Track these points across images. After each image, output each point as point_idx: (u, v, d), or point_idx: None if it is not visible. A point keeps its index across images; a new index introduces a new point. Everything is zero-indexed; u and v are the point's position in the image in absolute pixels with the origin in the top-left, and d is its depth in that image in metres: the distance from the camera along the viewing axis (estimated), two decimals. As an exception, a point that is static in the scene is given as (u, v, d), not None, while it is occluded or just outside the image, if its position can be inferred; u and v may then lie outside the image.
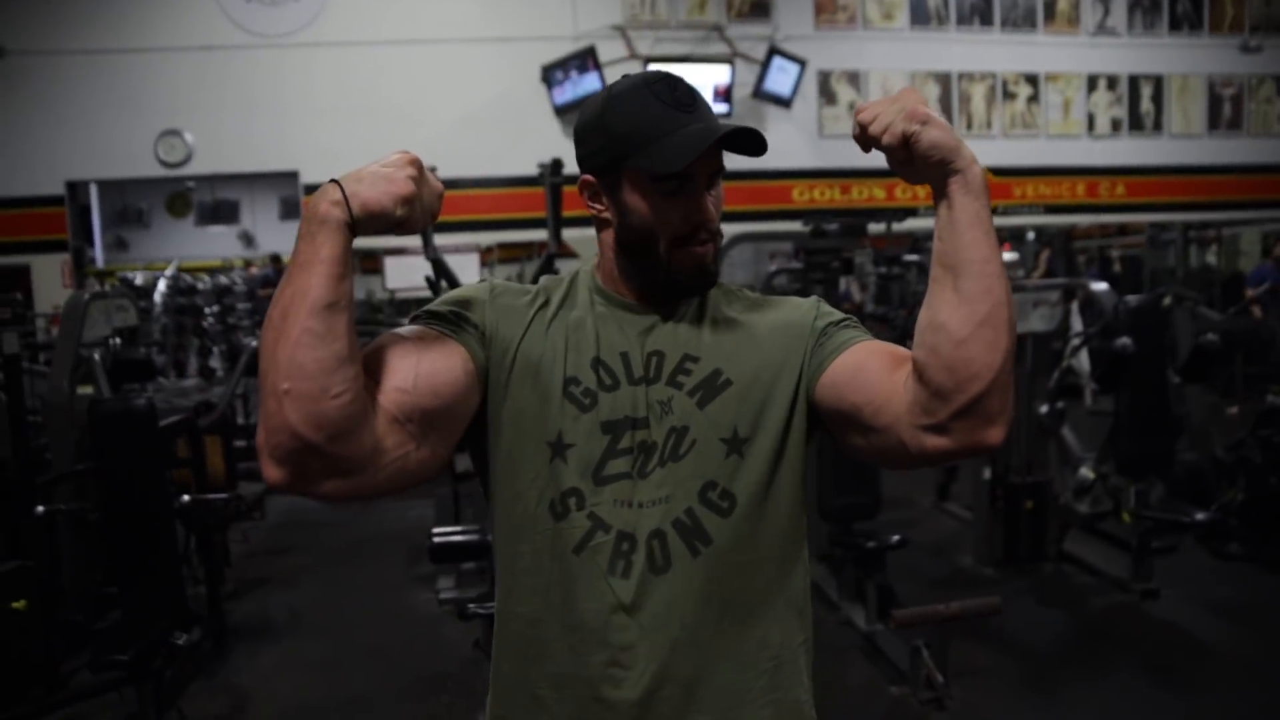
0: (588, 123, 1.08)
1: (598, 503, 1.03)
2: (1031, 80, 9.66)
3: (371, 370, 0.98)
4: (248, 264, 9.17)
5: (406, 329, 1.05)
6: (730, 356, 1.08)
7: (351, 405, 0.92)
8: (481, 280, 1.15)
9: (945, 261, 0.95)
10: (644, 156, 1.02)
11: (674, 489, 1.03)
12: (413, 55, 8.49)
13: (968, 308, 0.93)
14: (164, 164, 8.22)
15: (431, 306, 1.08)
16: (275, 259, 9.25)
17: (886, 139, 0.95)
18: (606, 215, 1.09)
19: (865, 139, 0.97)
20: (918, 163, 0.95)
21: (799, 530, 1.11)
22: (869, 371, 1.03)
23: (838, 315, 1.13)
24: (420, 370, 0.99)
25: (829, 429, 1.09)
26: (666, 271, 1.07)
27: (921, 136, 0.93)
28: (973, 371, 0.92)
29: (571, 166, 1.18)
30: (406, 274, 7.64)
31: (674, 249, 1.06)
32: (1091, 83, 9.80)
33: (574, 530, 1.03)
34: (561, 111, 8.59)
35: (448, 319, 1.06)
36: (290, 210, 10.56)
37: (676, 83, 1.07)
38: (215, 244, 12.10)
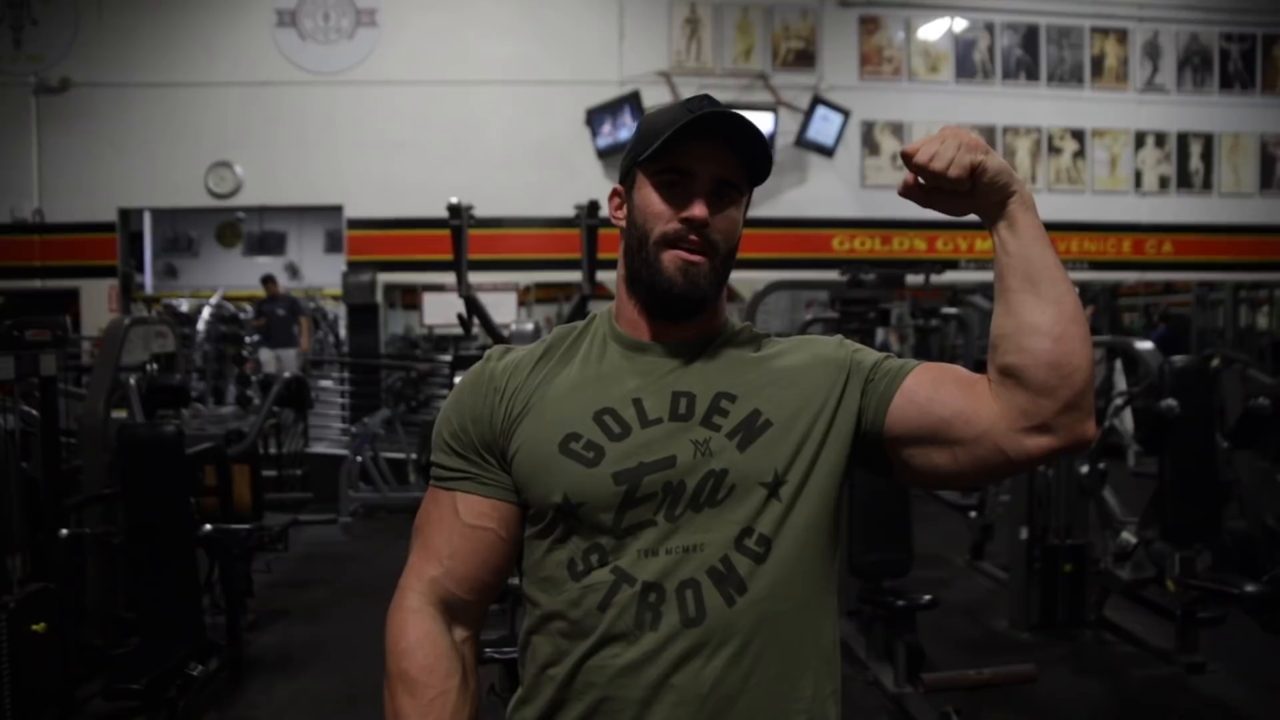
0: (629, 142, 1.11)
1: (620, 556, 1.00)
2: (1078, 136, 9.60)
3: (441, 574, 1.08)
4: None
5: (433, 508, 1.11)
6: (767, 396, 1.05)
7: None
8: (479, 360, 1.14)
9: (1020, 274, 0.98)
10: (644, 147, 1.04)
11: (708, 535, 1.00)
12: (460, 95, 8.66)
13: (1056, 308, 0.96)
14: (213, 194, 8.43)
15: (436, 455, 1.11)
16: (267, 280, 9.33)
17: (954, 172, 0.96)
18: (623, 223, 1.10)
19: (928, 174, 0.97)
20: (980, 191, 0.98)
21: (831, 573, 1.08)
22: (949, 386, 1.03)
23: (868, 348, 1.13)
24: (471, 574, 1.08)
25: (893, 458, 1.07)
26: (652, 271, 1.05)
27: (988, 165, 0.97)
28: (1075, 364, 0.95)
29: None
30: (444, 310, 7.71)
31: (661, 247, 1.04)
32: (1139, 139, 9.72)
33: (597, 587, 1.00)
34: (604, 155, 8.69)
35: (461, 470, 1.09)
36: (334, 243, 10.74)
37: (709, 99, 1.06)
38: (262, 274, 12.35)
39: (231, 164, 8.41)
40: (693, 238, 1.04)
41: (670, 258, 1.04)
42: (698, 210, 1.04)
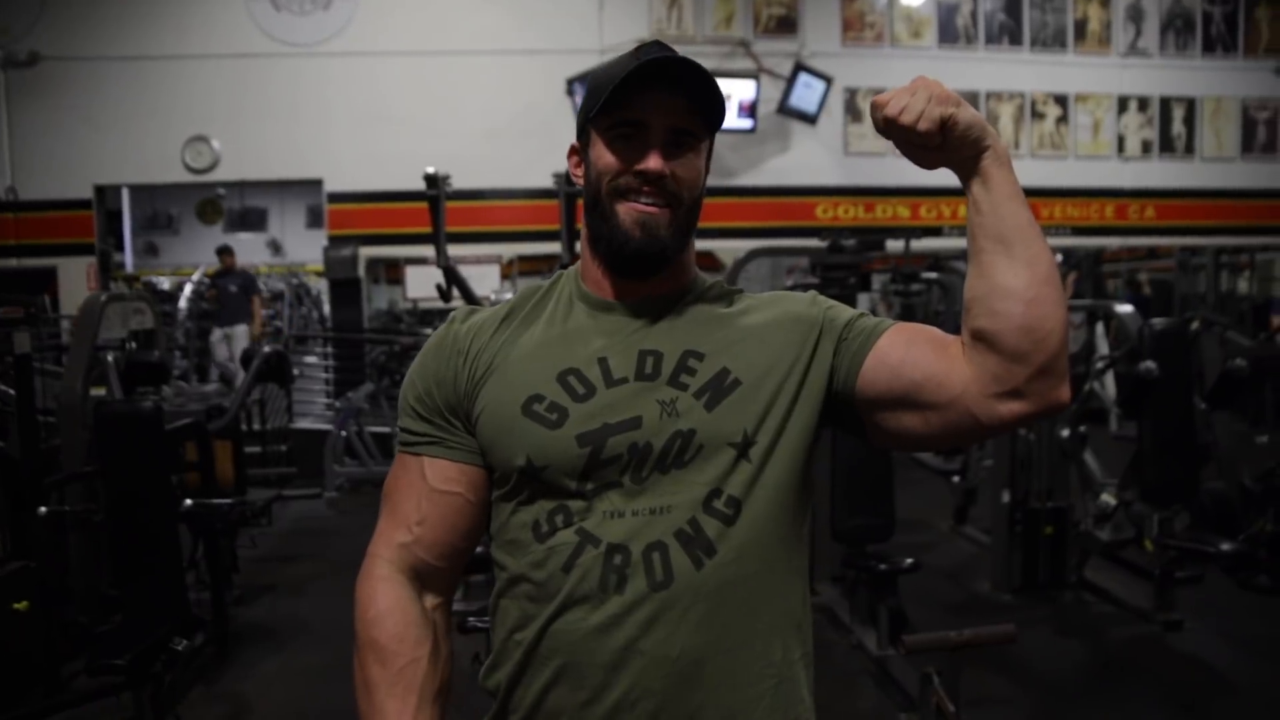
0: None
1: (585, 517, 0.99)
2: (1061, 101, 9.54)
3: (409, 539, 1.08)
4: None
5: (401, 473, 1.10)
6: (736, 354, 1.04)
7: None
8: (445, 323, 1.12)
9: (992, 234, 0.96)
10: (594, 101, 1.02)
11: (675, 497, 0.99)
12: (439, 66, 8.54)
13: (1029, 270, 0.94)
14: (190, 169, 8.30)
15: (402, 420, 1.10)
16: (223, 251, 8.89)
17: (923, 125, 0.93)
18: (582, 180, 1.08)
19: (895, 129, 0.95)
20: (951, 145, 0.96)
21: (802, 536, 1.08)
22: (922, 347, 1.01)
23: (842, 305, 1.12)
24: (440, 539, 1.08)
25: (869, 420, 1.05)
26: (609, 226, 1.03)
27: (959, 117, 0.94)
28: (1048, 329, 0.94)
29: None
30: (427, 283, 7.66)
31: (615, 198, 1.03)
32: (1122, 104, 9.67)
33: (561, 549, 0.99)
34: (585, 125, 8.59)
35: (427, 434, 1.08)
36: (316, 219, 10.64)
37: (659, 44, 1.04)
38: (243, 251, 12.22)
39: (208, 138, 8.28)
40: (647, 188, 1.02)
41: (626, 210, 1.03)
42: (652, 162, 1.02)
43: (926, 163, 1.00)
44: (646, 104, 1.01)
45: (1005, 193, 0.96)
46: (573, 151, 1.10)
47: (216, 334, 8.73)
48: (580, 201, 4.86)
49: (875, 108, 0.96)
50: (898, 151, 1.00)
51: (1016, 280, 0.94)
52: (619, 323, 1.06)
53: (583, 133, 1.07)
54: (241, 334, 8.62)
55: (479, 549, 1.14)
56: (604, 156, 1.03)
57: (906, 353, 1.01)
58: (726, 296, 1.11)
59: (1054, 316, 0.94)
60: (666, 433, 0.99)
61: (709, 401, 1.01)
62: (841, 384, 1.05)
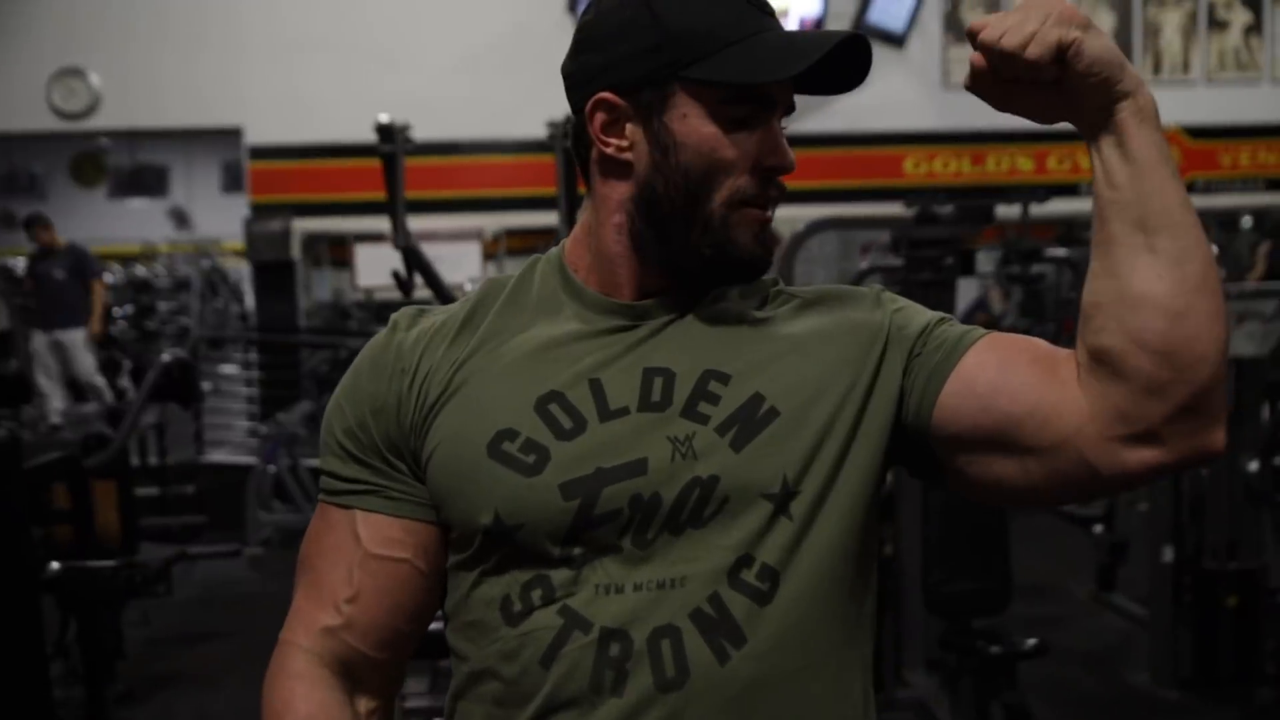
0: (615, 15, 1.04)
1: (571, 592, 1.00)
2: (1251, 3, 9.46)
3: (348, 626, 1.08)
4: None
5: (325, 532, 1.11)
6: (773, 374, 1.04)
7: None
8: (384, 329, 1.13)
9: (1128, 216, 0.95)
10: (725, 61, 1.00)
11: (691, 566, 0.99)
12: (397, -24, 8.63)
13: (1176, 271, 0.93)
14: (59, 114, 8.41)
15: (326, 460, 1.11)
16: (34, 223, 8.29)
17: (1033, 50, 0.92)
18: (628, 155, 1.04)
19: (999, 57, 0.94)
20: (1074, 86, 0.95)
21: (863, 616, 1.08)
22: (1021, 372, 1.02)
23: (916, 305, 1.12)
24: (379, 621, 1.09)
25: (945, 465, 1.07)
26: (715, 240, 1.03)
27: (1085, 47, 0.93)
28: (1197, 354, 0.93)
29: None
30: (384, 267, 7.74)
31: (733, 206, 1.03)
32: (1345, 3, 9.56)
33: (540, 635, 1.00)
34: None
35: (360, 480, 1.08)
36: (234, 181, 10.79)
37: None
38: (137, 223, 12.46)
39: (84, 71, 8.40)
40: (772, 190, 1.05)
41: (747, 220, 1.04)
42: (790, 157, 1.05)
43: (1040, 113, 1.00)
44: (782, 84, 1.03)
45: (1149, 160, 0.95)
46: (602, 105, 1.05)
47: (39, 341, 8.14)
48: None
49: (972, 35, 0.96)
50: (1000, 107, 1.01)
51: (1158, 284, 0.94)
52: (621, 329, 1.06)
53: (649, 83, 1.03)
54: (76, 340, 8.15)
55: (438, 622, 1.15)
56: (709, 140, 1.02)
57: (1001, 377, 1.02)
58: (761, 293, 1.12)
59: (1207, 337, 0.93)
60: (680, 481, 1.00)
61: (736, 439, 1.01)
62: (914, 414, 1.05)
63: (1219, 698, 4.21)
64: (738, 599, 0.99)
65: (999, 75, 0.97)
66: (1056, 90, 0.97)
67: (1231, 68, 9.49)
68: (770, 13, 1.04)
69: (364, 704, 1.10)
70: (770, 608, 0.99)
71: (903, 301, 1.12)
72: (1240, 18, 9.47)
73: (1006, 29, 0.93)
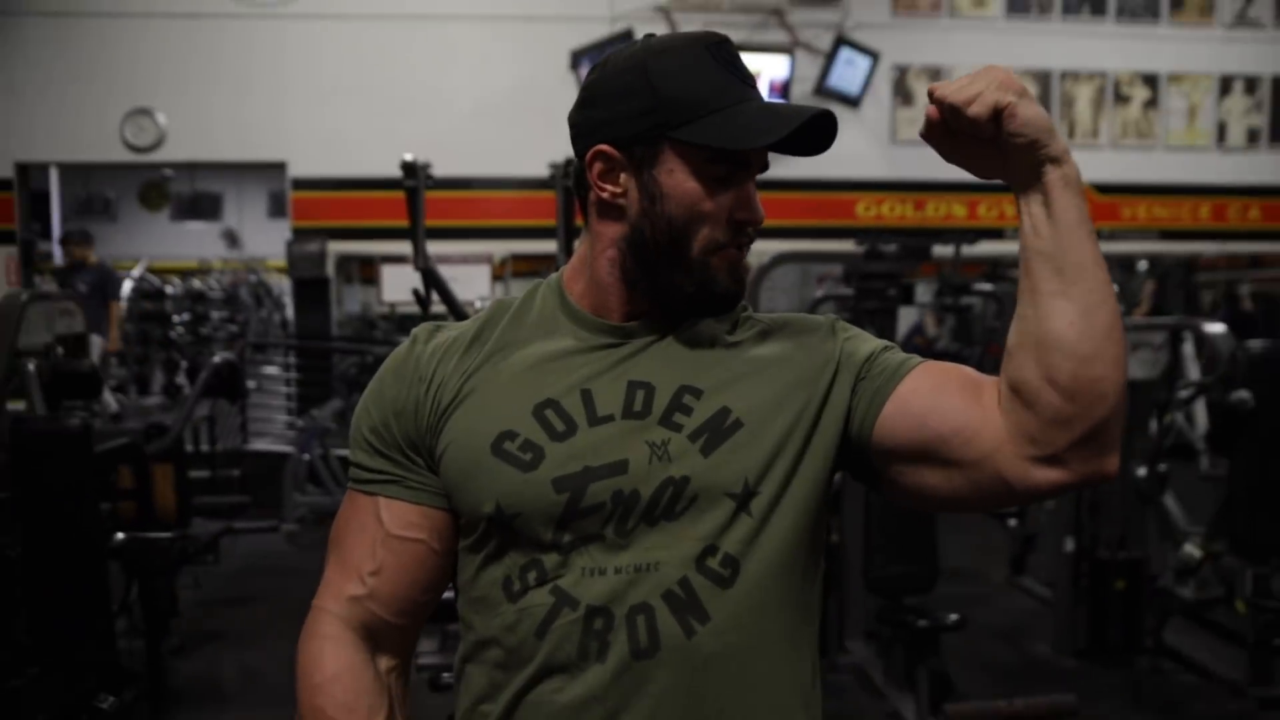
0: (617, 79, 1.05)
1: (561, 574, 1.01)
2: (1150, 81, 9.54)
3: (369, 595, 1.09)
4: None
5: (353, 515, 1.11)
6: (739, 391, 1.05)
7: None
8: (406, 342, 1.14)
9: (1048, 266, 0.96)
10: (709, 126, 1.01)
11: (664, 553, 1.00)
12: (423, 33, 8.62)
13: (1086, 319, 0.94)
14: (131, 147, 8.35)
15: (355, 453, 1.12)
16: (73, 240, 7.90)
17: (974, 109, 0.94)
18: (622, 201, 1.05)
19: (946, 109, 0.96)
20: (1006, 144, 0.96)
21: (812, 603, 1.09)
22: (951, 396, 1.02)
23: (864, 334, 1.13)
24: (398, 593, 1.10)
25: (886, 473, 1.07)
26: (695, 280, 1.04)
27: (1017, 110, 0.94)
28: (1099, 393, 0.94)
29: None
30: (406, 285, 7.73)
31: (709, 252, 1.04)
32: (1225, 85, 9.65)
33: (535, 610, 1.01)
34: (591, 104, 8.64)
35: (383, 472, 1.09)
36: (278, 207, 10.74)
37: (734, 49, 1.06)
38: (193, 242, 12.38)
39: (152, 111, 8.36)
40: (742, 238, 1.06)
41: (723, 262, 1.05)
42: (760, 212, 1.06)
43: (979, 166, 1.01)
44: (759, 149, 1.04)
45: (1070, 221, 0.96)
46: (599, 156, 1.06)
47: None
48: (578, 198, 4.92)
49: (930, 92, 0.98)
50: (946, 157, 1.03)
51: (1070, 331, 0.94)
52: (609, 347, 1.07)
53: (642, 141, 1.04)
54: (95, 347, 7.92)
55: (450, 592, 1.16)
56: (700, 199, 1.03)
57: (933, 399, 1.02)
58: (732, 318, 1.12)
59: (1109, 379, 0.94)
60: (656, 479, 1.01)
61: (706, 445, 1.02)
62: (857, 430, 1.06)
63: (1108, 665, 4.26)
64: (703, 582, 1.00)
65: (947, 127, 0.99)
66: (994, 148, 0.98)
67: (1132, 135, 9.56)
68: (752, 84, 1.05)
69: (384, 662, 1.11)
70: (731, 590, 1.00)
71: (854, 330, 1.13)
72: (1140, 94, 9.55)
73: (956, 88, 0.95)
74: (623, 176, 1.05)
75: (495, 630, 1.04)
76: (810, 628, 1.09)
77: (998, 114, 0.94)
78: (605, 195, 1.06)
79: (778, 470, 1.03)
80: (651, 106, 1.02)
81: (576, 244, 1.15)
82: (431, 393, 1.08)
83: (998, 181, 1.02)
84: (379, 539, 1.08)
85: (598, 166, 1.06)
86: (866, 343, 1.11)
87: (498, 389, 1.06)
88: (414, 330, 1.14)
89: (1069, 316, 0.94)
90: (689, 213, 1.03)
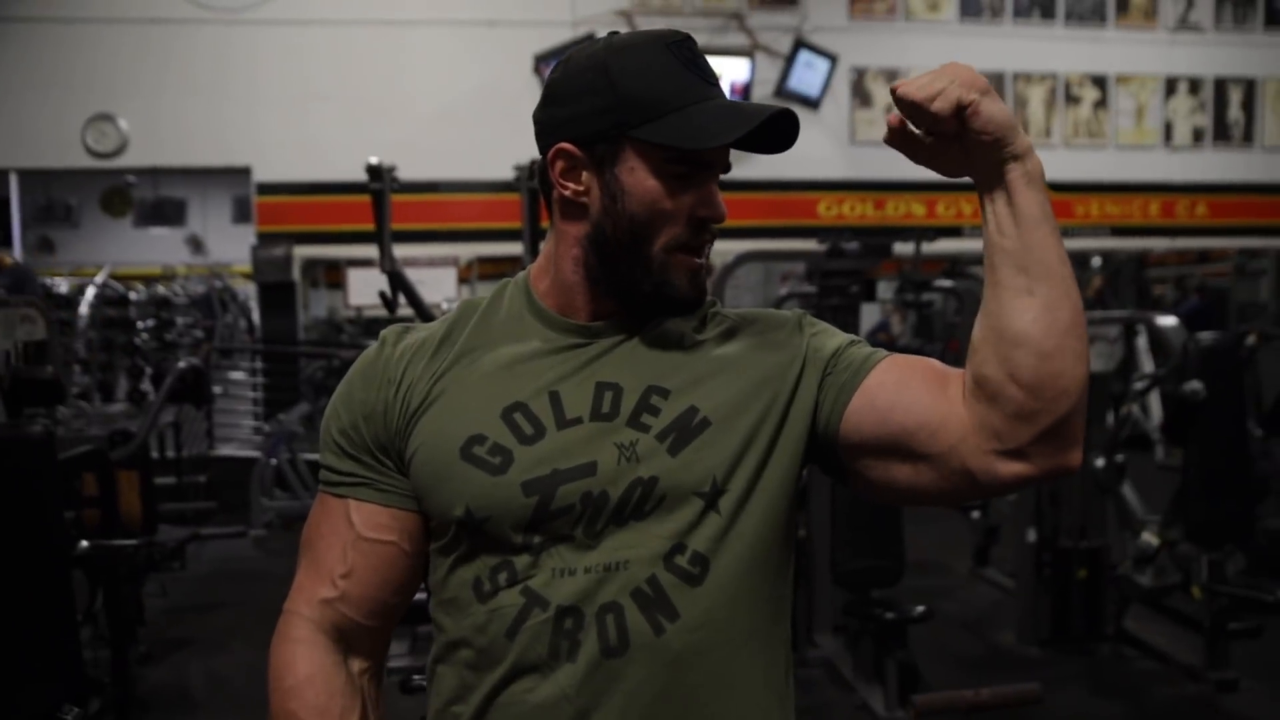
0: (579, 78, 1.03)
1: (531, 575, 0.99)
2: (1099, 82, 9.68)
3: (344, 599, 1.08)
4: None
5: (323, 518, 1.10)
6: (706, 390, 1.03)
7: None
8: (374, 344, 1.12)
9: (1011, 264, 0.95)
10: (669, 125, 0.99)
11: (632, 551, 0.99)
12: (385, 38, 8.56)
13: (1049, 316, 0.93)
14: (93, 153, 8.25)
15: (325, 456, 1.10)
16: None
17: (937, 104, 0.93)
18: (584, 199, 1.03)
19: (910, 108, 0.94)
20: (968, 142, 0.95)
21: (783, 599, 1.08)
22: (916, 390, 1.01)
23: (831, 329, 1.12)
24: (370, 595, 1.08)
25: (852, 467, 1.06)
26: (654, 280, 1.02)
27: (980, 107, 0.93)
28: (1061, 388, 0.93)
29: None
30: (372, 289, 7.68)
31: (671, 250, 1.02)
32: (1170, 86, 9.82)
33: (505, 611, 1.00)
34: (555, 107, 8.63)
35: (353, 474, 1.08)
36: (243, 212, 10.61)
37: (696, 47, 1.04)
38: (158, 249, 12.18)
39: (114, 117, 8.24)
40: (705, 236, 1.04)
41: (682, 265, 1.03)
42: (721, 210, 1.04)
43: (943, 164, 1.00)
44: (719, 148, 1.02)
45: (1033, 217, 0.95)
46: (561, 154, 1.04)
47: None
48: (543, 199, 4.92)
49: (892, 91, 0.97)
50: (912, 158, 1.02)
51: (1033, 328, 0.93)
52: (577, 347, 1.05)
53: (603, 139, 1.02)
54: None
55: (423, 595, 1.14)
56: (660, 197, 1.02)
57: (898, 394, 1.02)
58: (700, 315, 1.10)
59: (1071, 374, 0.94)
60: (625, 480, 0.99)
61: (673, 445, 1.00)
62: (824, 425, 1.05)
63: (1070, 653, 4.29)
64: (672, 580, 0.99)
65: (906, 129, 0.97)
66: (958, 146, 0.96)
67: (1084, 135, 9.69)
68: (714, 82, 1.03)
69: (357, 664, 1.09)
70: (700, 588, 0.99)
71: (821, 326, 1.12)
72: (1090, 94, 9.68)
73: (919, 86, 0.94)
74: (585, 175, 1.03)
75: (466, 631, 1.02)
76: (782, 624, 1.08)
77: (960, 111, 0.93)
78: (568, 193, 1.04)
79: (745, 467, 1.02)
80: (612, 105, 1.00)
81: (543, 244, 1.12)
82: (401, 395, 1.06)
83: (956, 180, 1.01)
84: (350, 541, 1.07)
85: (560, 164, 1.04)
86: (833, 338, 1.10)
87: (466, 392, 1.04)
88: (383, 332, 1.12)
89: (1032, 313, 0.94)
90: (650, 211, 1.01)
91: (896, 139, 0.99)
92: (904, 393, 1.01)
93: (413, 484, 1.05)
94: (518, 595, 0.99)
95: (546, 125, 1.05)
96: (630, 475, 0.99)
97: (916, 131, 0.98)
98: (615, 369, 1.04)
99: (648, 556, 0.99)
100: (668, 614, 0.98)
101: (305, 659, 1.06)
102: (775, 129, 1.02)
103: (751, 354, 1.07)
